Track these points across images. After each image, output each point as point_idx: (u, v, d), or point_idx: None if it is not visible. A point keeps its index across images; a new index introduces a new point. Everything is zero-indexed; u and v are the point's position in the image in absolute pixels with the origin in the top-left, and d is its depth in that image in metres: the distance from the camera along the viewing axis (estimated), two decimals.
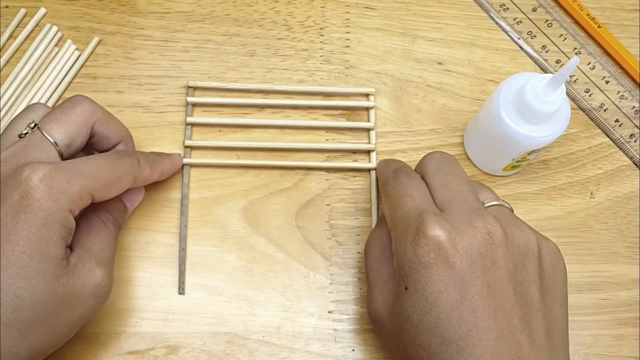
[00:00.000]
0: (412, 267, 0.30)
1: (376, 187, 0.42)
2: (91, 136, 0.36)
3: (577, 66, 0.46)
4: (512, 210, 0.34)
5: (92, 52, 0.44)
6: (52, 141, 0.33)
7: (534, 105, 0.35)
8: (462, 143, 0.43)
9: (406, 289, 0.30)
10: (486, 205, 0.33)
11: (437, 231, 0.30)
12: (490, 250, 0.30)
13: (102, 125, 0.36)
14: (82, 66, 0.43)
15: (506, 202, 0.34)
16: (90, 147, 0.37)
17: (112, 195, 0.34)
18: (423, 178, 0.35)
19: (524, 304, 0.30)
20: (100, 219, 0.36)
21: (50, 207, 0.30)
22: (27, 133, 0.34)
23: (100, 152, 0.38)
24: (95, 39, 0.44)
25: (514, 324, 0.29)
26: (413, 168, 0.36)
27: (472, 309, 0.29)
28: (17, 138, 0.34)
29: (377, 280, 0.34)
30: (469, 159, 0.43)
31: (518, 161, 0.39)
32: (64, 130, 0.34)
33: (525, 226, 0.32)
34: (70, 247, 0.33)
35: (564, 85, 0.35)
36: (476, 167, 0.43)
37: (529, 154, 0.38)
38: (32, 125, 0.34)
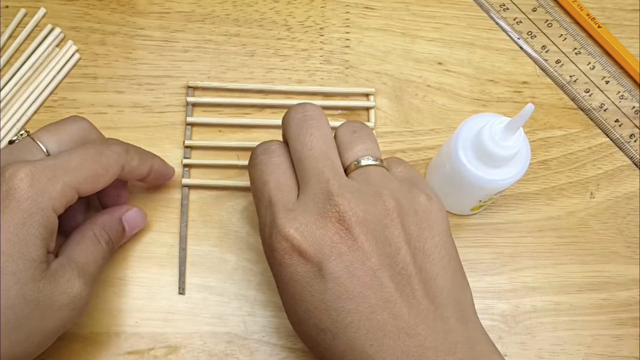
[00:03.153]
0: (273, 265, 0.31)
1: None
2: None
3: (577, 66, 0.46)
4: (385, 166, 0.33)
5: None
6: (42, 147, 0.33)
7: (491, 150, 0.34)
8: None
9: (278, 287, 0.32)
10: (357, 165, 0.32)
11: (288, 231, 0.30)
12: (343, 235, 0.29)
13: None
14: (73, 66, 0.44)
15: (379, 159, 0.33)
16: None
17: (100, 187, 0.33)
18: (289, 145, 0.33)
19: (394, 275, 0.29)
20: (94, 233, 0.35)
21: (31, 207, 0.30)
22: (16, 140, 0.34)
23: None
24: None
25: (385, 297, 0.29)
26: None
27: (336, 296, 0.29)
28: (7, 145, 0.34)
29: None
30: None
31: (485, 202, 0.39)
32: (56, 139, 0.34)
33: (386, 191, 0.31)
34: (56, 255, 0.33)
35: (521, 128, 0.34)
36: None
37: (495, 195, 0.38)
38: (23, 132, 0.34)
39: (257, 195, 0.32)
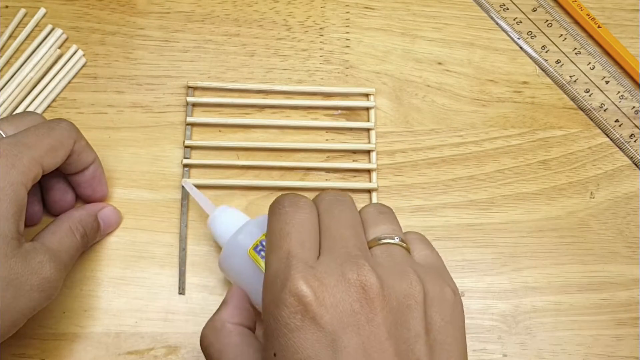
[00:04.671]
0: (279, 330, 0.26)
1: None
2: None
3: (577, 66, 0.46)
4: (409, 250, 0.30)
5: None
6: (2, 134, 0.34)
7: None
8: (462, 143, 0.43)
9: (275, 355, 0.26)
10: (380, 242, 0.29)
11: (303, 288, 0.26)
12: (365, 305, 0.26)
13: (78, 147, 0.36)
14: (79, 70, 0.44)
15: (403, 241, 0.30)
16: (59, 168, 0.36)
17: (59, 161, 0.34)
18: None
19: None
20: (70, 226, 0.35)
21: (2, 181, 0.30)
22: None
23: (68, 174, 0.37)
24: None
25: None
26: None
27: None
28: None
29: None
30: None
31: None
32: (14, 128, 0.34)
33: (412, 272, 0.28)
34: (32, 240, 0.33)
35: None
36: None
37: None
38: None
39: (272, 245, 0.29)
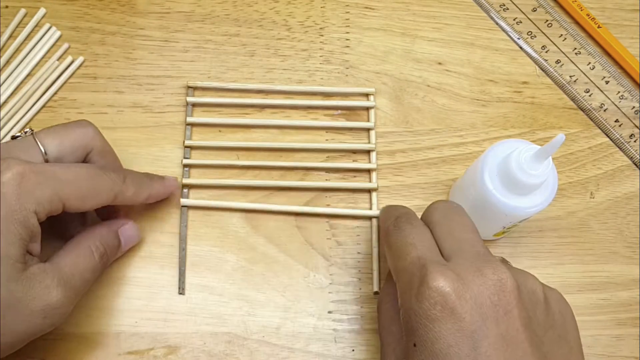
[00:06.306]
0: (418, 322, 0.28)
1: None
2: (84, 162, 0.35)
3: (577, 66, 0.46)
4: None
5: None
6: (42, 150, 0.33)
7: (519, 177, 0.34)
8: (462, 143, 0.43)
9: (414, 345, 0.28)
10: None
11: (441, 282, 0.28)
12: (502, 298, 0.28)
13: (98, 154, 0.35)
14: (77, 68, 0.44)
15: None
16: None
17: (87, 208, 0.33)
18: (429, 227, 0.33)
19: (541, 356, 0.28)
20: (89, 245, 0.34)
21: (14, 204, 0.30)
22: (19, 136, 0.34)
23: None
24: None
25: None
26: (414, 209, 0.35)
27: None
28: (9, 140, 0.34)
29: (390, 338, 0.32)
30: None
31: (509, 228, 0.38)
32: (58, 143, 0.34)
33: (530, 274, 0.31)
34: (45, 262, 0.32)
35: (549, 157, 0.33)
36: None
37: (519, 222, 0.37)
38: (27, 130, 0.34)
39: (399, 256, 0.31)
